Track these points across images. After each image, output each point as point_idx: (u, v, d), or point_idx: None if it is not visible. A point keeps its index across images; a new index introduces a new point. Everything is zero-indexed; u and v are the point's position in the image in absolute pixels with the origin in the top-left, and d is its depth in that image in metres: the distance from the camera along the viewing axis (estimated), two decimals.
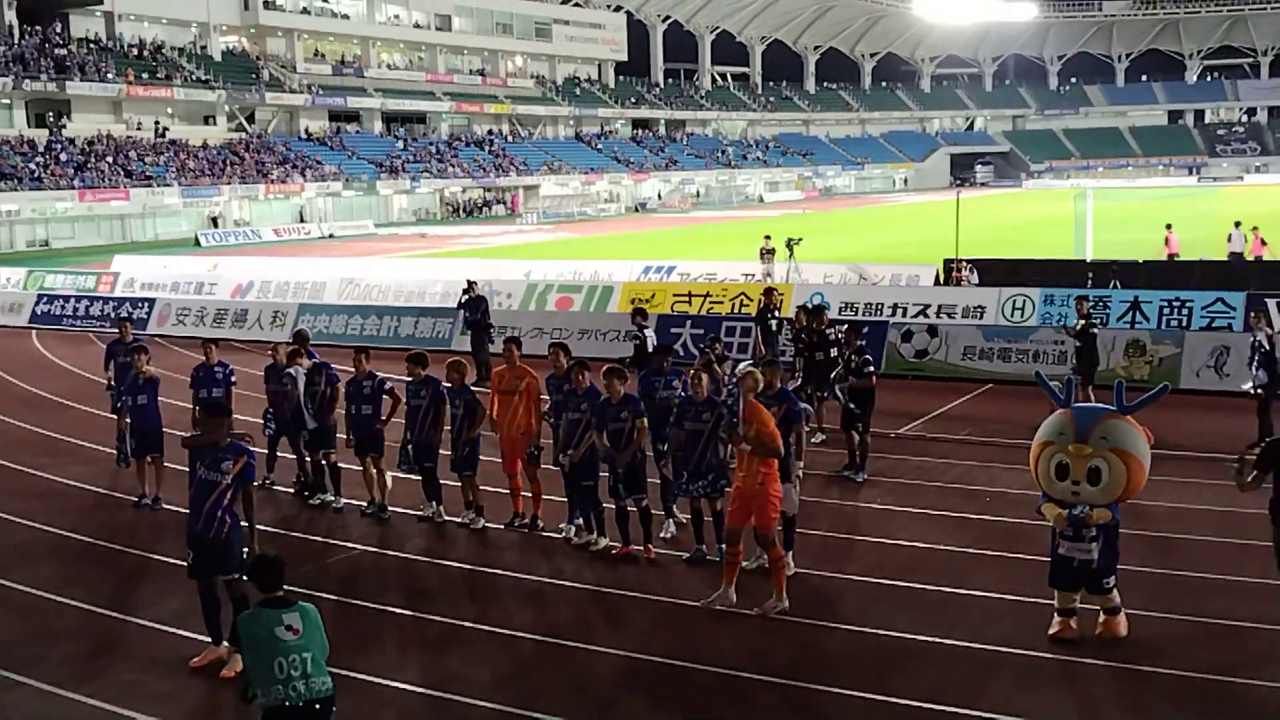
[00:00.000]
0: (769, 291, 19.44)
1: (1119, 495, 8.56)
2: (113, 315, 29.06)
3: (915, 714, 7.68)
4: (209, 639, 8.61)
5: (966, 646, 8.71)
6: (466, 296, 21.20)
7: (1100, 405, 8.98)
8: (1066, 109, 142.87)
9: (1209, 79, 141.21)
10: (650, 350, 15.77)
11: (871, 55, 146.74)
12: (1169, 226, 33.32)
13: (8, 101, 70.23)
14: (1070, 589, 8.80)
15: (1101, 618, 8.81)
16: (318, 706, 5.82)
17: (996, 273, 27.84)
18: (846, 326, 14.75)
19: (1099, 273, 26.44)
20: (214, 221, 71.49)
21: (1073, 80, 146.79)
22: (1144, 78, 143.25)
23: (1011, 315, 23.49)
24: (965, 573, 10.26)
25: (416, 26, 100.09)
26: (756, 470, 9.29)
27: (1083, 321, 16.00)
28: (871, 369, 13.66)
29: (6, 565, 10.80)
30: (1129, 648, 8.56)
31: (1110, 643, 8.61)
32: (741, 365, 13.08)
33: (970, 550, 10.91)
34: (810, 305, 17.76)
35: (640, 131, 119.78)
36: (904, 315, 23.92)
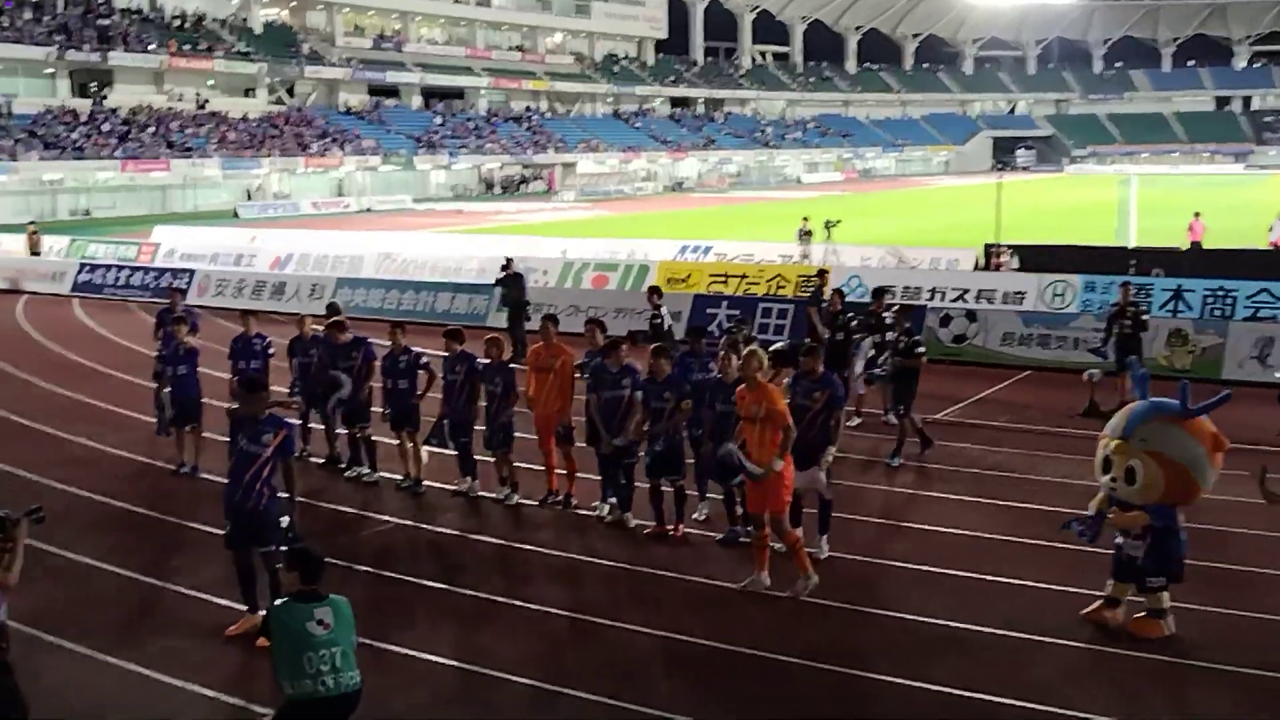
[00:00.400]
0: (822, 273, 19.15)
1: (1157, 498, 8.43)
2: (153, 284, 29.44)
3: (951, 700, 7.62)
4: (245, 607, 8.67)
5: (1004, 634, 8.64)
6: (504, 274, 21.20)
7: (1160, 403, 8.68)
8: (1111, 94, 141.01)
9: (1257, 65, 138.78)
10: (666, 329, 15.94)
11: (913, 36, 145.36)
12: (1196, 214, 33.04)
13: (51, 71, 70.81)
14: (1122, 581, 8.74)
15: (1139, 614, 8.69)
16: (344, 701, 5.80)
17: (1037, 258, 27.55)
18: (898, 307, 14.71)
19: (1141, 260, 26.12)
20: (248, 194, 71.86)
21: (1118, 65, 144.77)
22: (1190, 63, 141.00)
23: (1052, 302, 23.26)
24: (1003, 560, 10.18)
25: (456, 1, 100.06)
26: (769, 453, 9.22)
27: (1131, 308, 15.88)
28: (921, 350, 13.64)
29: (48, 531, 10.83)
30: (1172, 641, 8.45)
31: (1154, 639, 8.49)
32: (774, 347, 13.05)
33: (1008, 537, 10.81)
34: (874, 288, 17.47)
35: (678, 110, 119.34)
36: (942, 300, 23.73)
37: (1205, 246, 30.96)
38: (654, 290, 17.12)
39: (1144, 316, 16.21)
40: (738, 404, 9.56)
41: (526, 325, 20.25)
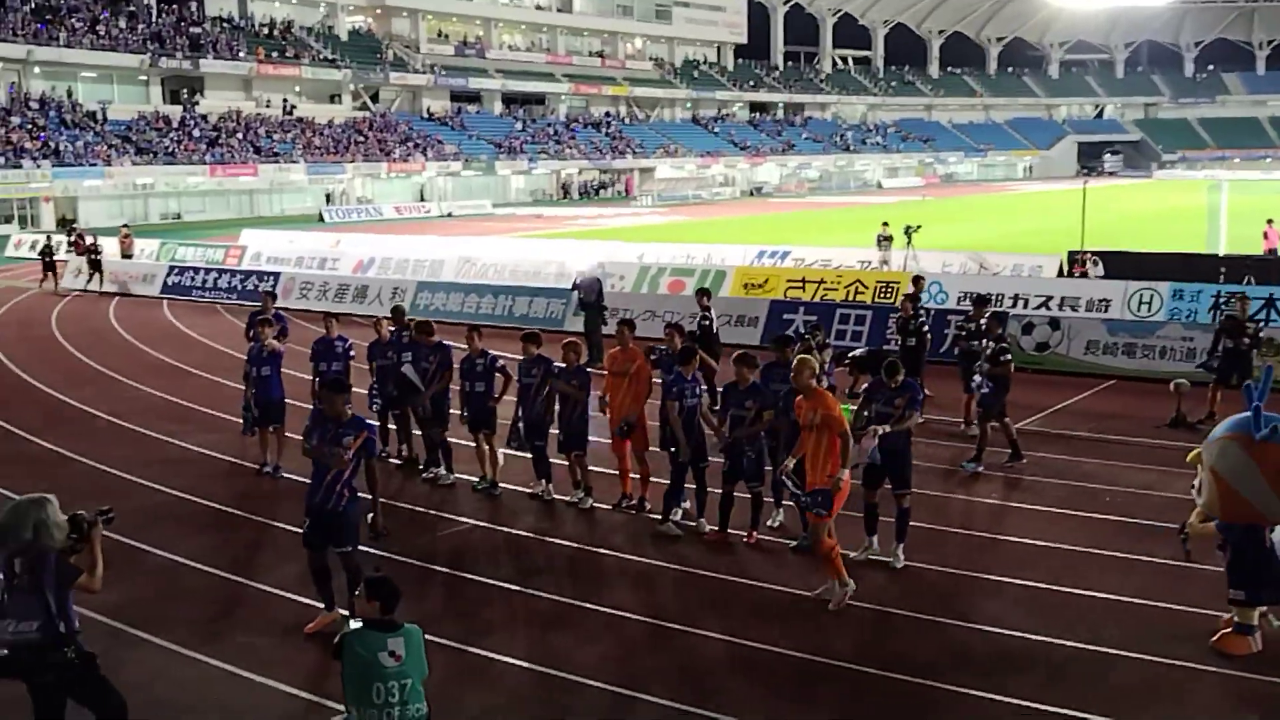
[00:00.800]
0: (918, 279, 18.85)
1: (1221, 515, 8.37)
2: (239, 287, 30.09)
3: (1030, 715, 7.50)
4: (322, 605, 8.81)
5: (1082, 648, 8.48)
6: (581, 278, 21.33)
7: (1240, 420, 8.27)
8: (1202, 97, 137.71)
9: None
10: (714, 332, 16.27)
11: (998, 40, 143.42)
12: (1270, 221, 32.22)
13: (145, 78, 72.75)
14: None
15: (1226, 629, 8.50)
16: None
17: (1123, 266, 27.01)
18: (989, 314, 14.53)
19: (1232, 268, 25.48)
20: (327, 198, 72.97)
21: (1209, 68, 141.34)
22: None
23: (1138, 310, 22.78)
24: (1084, 573, 9.98)
25: (538, 8, 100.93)
26: (824, 464, 9.12)
27: (1251, 323, 15.45)
28: (1008, 358, 13.46)
29: (137, 527, 11.18)
30: (1263, 661, 8.22)
31: (1242, 657, 8.29)
32: (854, 353, 12.94)
33: (1090, 550, 10.60)
34: (974, 296, 17.24)
35: (758, 115, 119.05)
36: (1025, 307, 23.38)
37: None
38: (702, 292, 17.26)
39: (1260, 334, 15.69)
40: (796, 412, 9.50)
41: (603, 330, 20.36)
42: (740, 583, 9.88)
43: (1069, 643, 8.56)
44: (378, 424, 13.90)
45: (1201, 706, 7.69)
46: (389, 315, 14.36)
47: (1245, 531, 8.28)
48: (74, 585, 6.11)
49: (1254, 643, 8.35)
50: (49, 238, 36.06)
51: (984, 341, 13.89)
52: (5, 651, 5.99)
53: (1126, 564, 10.20)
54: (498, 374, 12.50)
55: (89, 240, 34.46)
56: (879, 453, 10.10)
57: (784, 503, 11.29)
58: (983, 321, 14.65)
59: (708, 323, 16.27)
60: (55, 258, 34.15)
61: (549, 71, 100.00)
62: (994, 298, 24.05)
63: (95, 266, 32.65)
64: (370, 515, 8.70)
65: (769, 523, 11.16)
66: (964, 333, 15.10)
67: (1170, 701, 7.71)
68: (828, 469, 9.11)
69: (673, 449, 11.09)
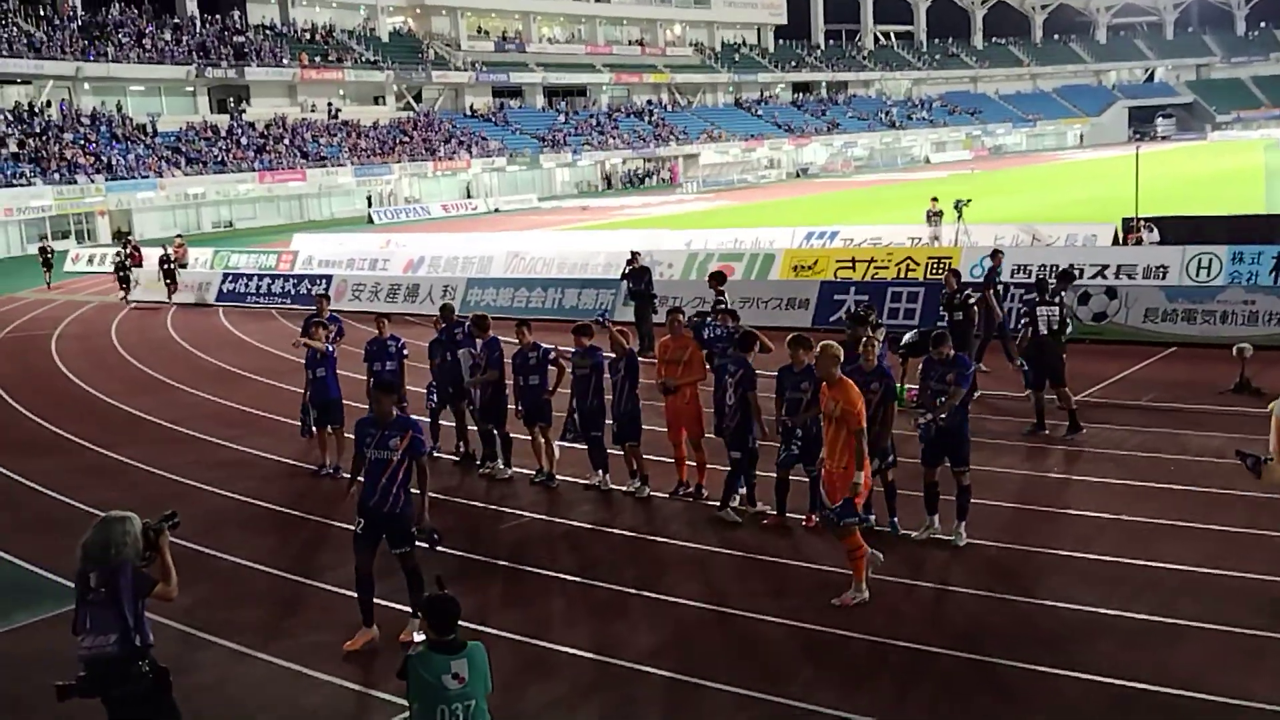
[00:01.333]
0: (996, 254, 18.53)
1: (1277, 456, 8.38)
2: (292, 292, 30.40)
3: (1098, 689, 7.39)
4: (400, 606, 8.79)
5: (1152, 620, 8.34)
6: (630, 267, 21.32)
7: None
8: (1255, 55, 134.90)
9: None
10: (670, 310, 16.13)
11: (1043, 7, 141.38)
12: None
13: (192, 89, 73.73)
14: None
15: None
16: None
17: (1180, 230, 26.50)
18: (1060, 272, 14.66)
19: None
20: (369, 200, 73.57)
21: (1262, 24, 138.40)
22: None
23: (1197, 275, 22.36)
24: (1150, 544, 9.82)
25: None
26: (842, 453, 8.89)
27: None
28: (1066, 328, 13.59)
29: (199, 531, 11.34)
30: None
31: None
32: (904, 339, 12.77)
33: (1155, 520, 10.43)
34: (1061, 269, 16.99)
35: (801, 95, 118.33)
36: (1081, 277, 23.00)
37: None
38: (715, 276, 17.42)
39: None
40: (820, 401, 9.35)
41: (653, 318, 20.35)
42: (801, 566, 9.83)
43: (1138, 615, 8.43)
44: (430, 421, 14.02)
45: (1274, 675, 7.53)
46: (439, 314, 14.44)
47: None
48: (151, 594, 6.13)
49: None
50: (123, 250, 36.42)
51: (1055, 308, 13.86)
52: (83, 671, 5.99)
53: (1195, 533, 10.02)
54: (551, 367, 12.52)
55: (166, 250, 34.85)
56: (932, 429, 10.02)
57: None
58: (1063, 295, 14.49)
59: (722, 307, 16.26)
60: (129, 270, 34.62)
61: (589, 62, 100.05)
62: (1049, 269, 23.84)
63: (170, 276, 33.15)
64: (420, 515, 8.64)
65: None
66: (1050, 314, 14.79)
67: (1248, 671, 7.56)
68: (843, 461, 8.86)
69: (735, 436, 11.05)
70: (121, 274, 34.30)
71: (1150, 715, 7.10)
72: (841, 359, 9.20)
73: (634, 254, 21.82)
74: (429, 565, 10.01)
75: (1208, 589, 8.84)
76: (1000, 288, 17.21)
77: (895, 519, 10.42)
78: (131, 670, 6.01)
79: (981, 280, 18.45)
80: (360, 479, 8.65)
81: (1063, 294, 14.07)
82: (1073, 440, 13.23)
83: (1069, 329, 13.93)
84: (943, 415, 9.94)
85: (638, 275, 21.05)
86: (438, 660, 5.67)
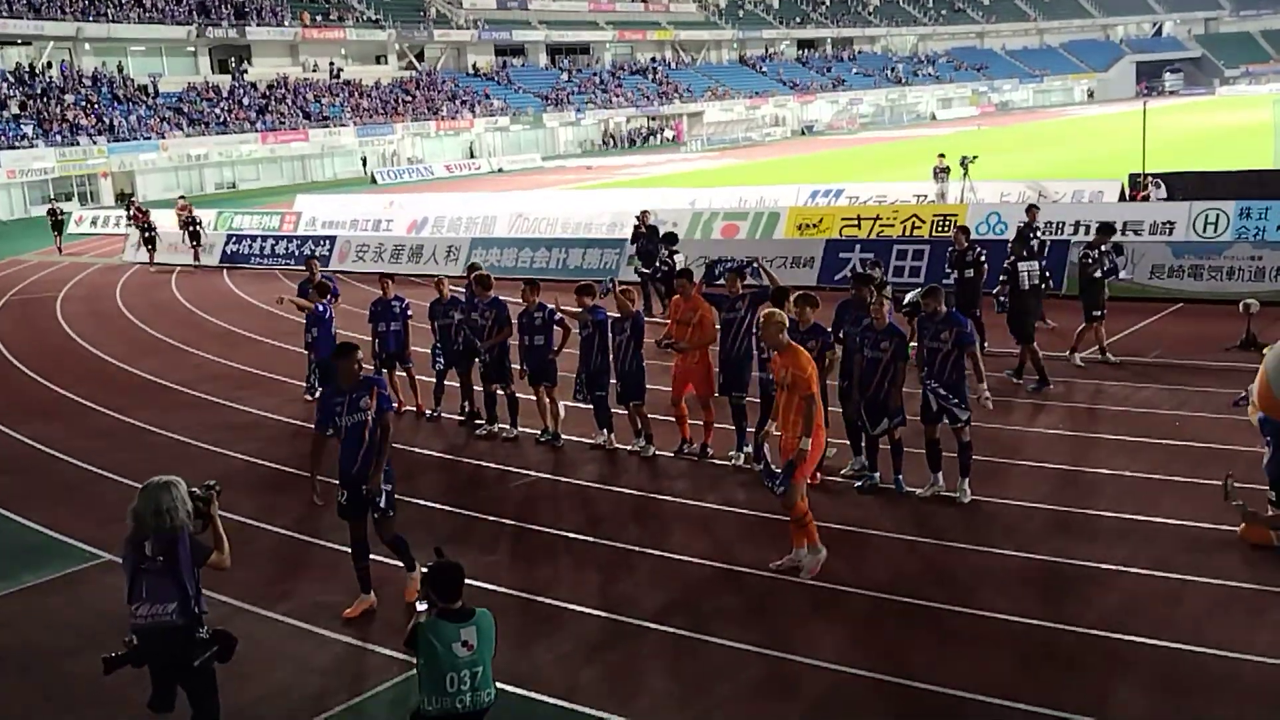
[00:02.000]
0: (1031, 209, 18.22)
1: (1261, 405, 8.79)
2: (296, 253, 30.33)
3: (1098, 642, 7.43)
4: (398, 563, 8.84)
5: (1151, 575, 8.38)
6: (638, 228, 21.16)
7: None
8: (1265, 8, 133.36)
9: None
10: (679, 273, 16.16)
11: None
12: None
13: (193, 49, 73.28)
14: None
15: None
16: (476, 717, 5.80)
17: (1187, 186, 26.33)
18: (1098, 226, 15.13)
19: None
20: (364, 161, 73.24)
21: None
22: None
23: (1204, 231, 22.25)
24: (1151, 499, 9.86)
25: None
26: (795, 423, 8.64)
27: None
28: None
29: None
30: None
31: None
32: (907, 299, 12.70)
33: (1157, 476, 10.46)
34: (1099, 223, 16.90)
35: (806, 52, 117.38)
36: (1086, 233, 22.90)
37: None
38: (669, 236, 18.96)
39: None
40: (771, 369, 9.19)
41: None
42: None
43: (1136, 569, 8.47)
44: (435, 383, 14.04)
45: (1274, 628, 7.57)
46: (463, 274, 14.40)
47: (1276, 431, 8.68)
48: (206, 563, 6.14)
49: (1276, 537, 8.65)
50: (140, 212, 35.51)
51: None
52: (134, 639, 6.01)
53: (1195, 488, 10.04)
54: (556, 327, 12.51)
55: (187, 214, 33.77)
56: (934, 396, 10.08)
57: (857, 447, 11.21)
58: (1103, 248, 14.48)
59: (668, 266, 17.60)
60: (155, 233, 33.60)
61: (592, 20, 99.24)
62: (1057, 226, 23.75)
63: (195, 239, 32.45)
64: (375, 476, 8.33)
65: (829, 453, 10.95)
66: (1089, 260, 14.74)
67: (1247, 624, 7.59)
68: (798, 430, 8.63)
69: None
70: (147, 235, 33.43)
71: (1150, 669, 7.15)
72: (786, 325, 8.97)
73: (643, 213, 21.66)
74: (434, 529, 10.08)
75: (1206, 543, 8.89)
76: (1035, 245, 16.85)
77: (900, 476, 10.43)
78: (193, 638, 6.02)
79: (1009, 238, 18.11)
80: (319, 474, 8.32)
81: (1102, 247, 14.25)
82: (1042, 394, 13.31)
83: (1117, 276, 14.61)
84: (987, 398, 10.06)
85: (648, 235, 20.97)
86: (447, 628, 5.71)
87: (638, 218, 21.45)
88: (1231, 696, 6.76)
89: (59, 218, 38.45)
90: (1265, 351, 9.08)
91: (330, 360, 8.80)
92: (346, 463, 8.32)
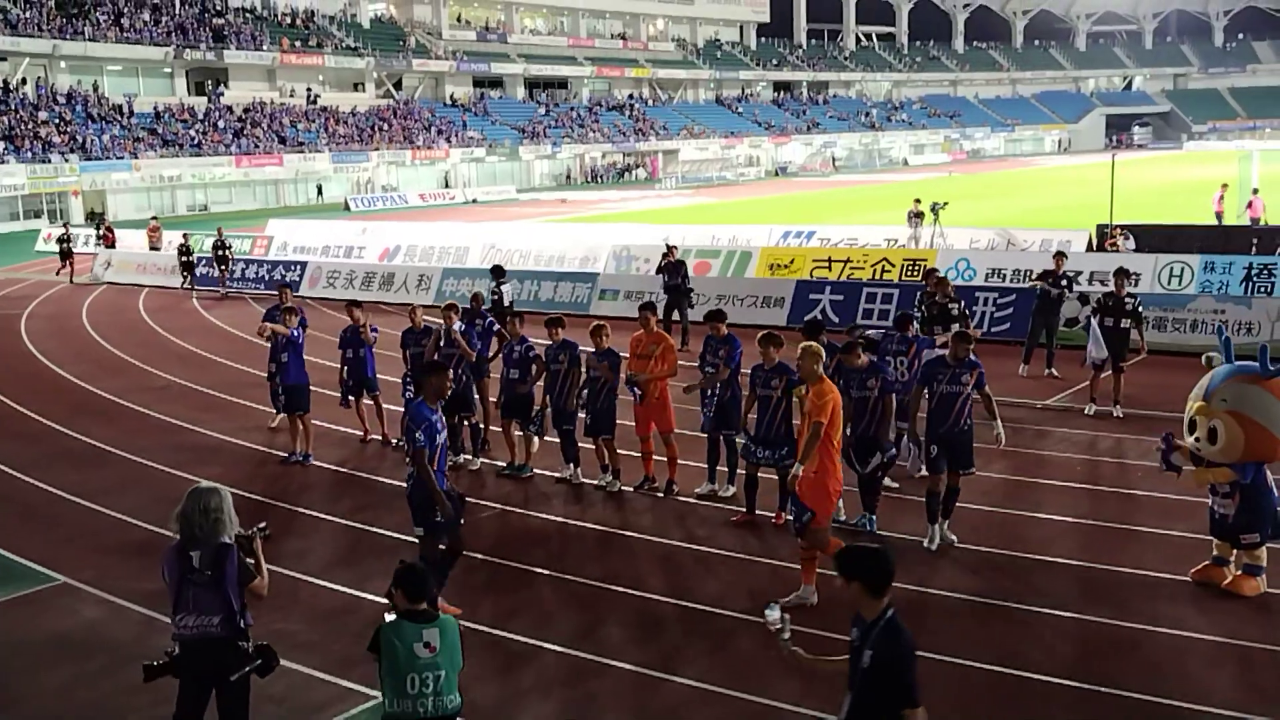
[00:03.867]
0: (1059, 255, 18.19)
1: (1239, 456, 8.68)
2: (266, 277, 30.18)
3: (1058, 690, 7.45)
4: (368, 594, 8.81)
5: (1114, 625, 8.42)
6: (666, 260, 21.10)
7: (1241, 365, 8.99)
8: (1232, 66, 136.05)
9: None
10: (506, 307, 17.32)
11: (1024, 13, 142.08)
12: (1255, 191, 32.32)
13: (169, 70, 73.11)
14: (1220, 539, 9.01)
15: (1235, 572, 8.93)
16: None
17: (1153, 239, 26.72)
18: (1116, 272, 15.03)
19: (1265, 239, 25.19)
20: (318, 189, 72.74)
21: (1240, 36, 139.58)
22: None
23: (1169, 283, 22.54)
24: (1115, 548, 9.91)
25: None
26: (814, 457, 8.73)
27: None
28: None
29: (165, 516, 11.27)
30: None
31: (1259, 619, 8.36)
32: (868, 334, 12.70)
33: (1119, 525, 10.53)
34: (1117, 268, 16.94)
35: (782, 94, 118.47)
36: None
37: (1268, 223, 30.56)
38: (496, 269, 19.57)
39: None
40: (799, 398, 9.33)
41: (690, 313, 20.21)
42: (765, 563, 9.85)
43: (1098, 619, 8.51)
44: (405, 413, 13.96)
45: (1241, 676, 7.62)
46: (439, 306, 14.37)
47: (1257, 473, 8.74)
48: (248, 586, 6.19)
49: (1262, 583, 8.79)
50: (185, 238, 32.61)
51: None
52: (176, 649, 6.06)
53: (1158, 539, 10.12)
54: (534, 363, 12.47)
55: (221, 237, 31.00)
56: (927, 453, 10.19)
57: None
58: (1125, 297, 14.60)
59: (496, 297, 18.42)
60: (192, 256, 31.54)
61: (571, 55, 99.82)
62: (1023, 273, 23.98)
63: (224, 264, 30.32)
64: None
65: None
66: (1104, 307, 14.85)
67: (1199, 676, 7.63)
68: (814, 465, 8.71)
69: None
70: (185, 259, 31.22)
71: (1111, 715, 7.18)
72: (823, 357, 9.18)
73: (670, 248, 21.62)
74: (400, 558, 10.00)
75: (1168, 591, 8.96)
76: (1066, 283, 17.20)
77: (874, 516, 10.46)
78: (236, 650, 6.09)
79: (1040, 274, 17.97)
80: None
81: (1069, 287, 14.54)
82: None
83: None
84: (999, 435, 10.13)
85: (673, 269, 20.81)
86: (409, 628, 5.77)
87: (664, 253, 21.53)
88: None
89: (67, 246, 37.19)
90: (1204, 412, 8.87)
91: (420, 377, 9.08)
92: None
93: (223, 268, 30.48)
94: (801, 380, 9.15)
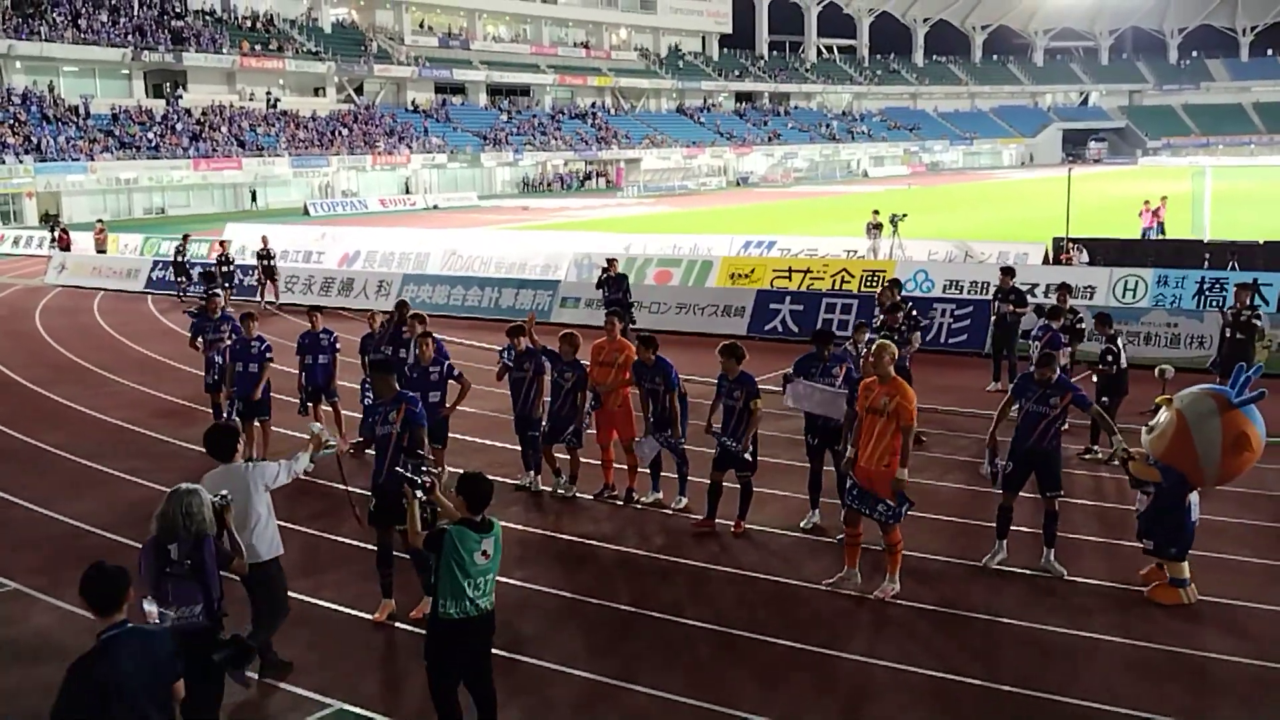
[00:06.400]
0: (1005, 272, 17.67)
1: (1159, 454, 9.01)
2: (225, 283, 29.74)
3: (1005, 697, 7.53)
4: (324, 601, 8.76)
5: (1065, 633, 8.53)
6: (606, 274, 20.91)
7: (1220, 387, 9.18)
8: (1186, 84, 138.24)
9: None
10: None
11: (983, 28, 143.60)
12: (1146, 202, 36.13)
13: (127, 72, 72.37)
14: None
15: (1158, 582, 9.13)
16: (484, 621, 6.51)
17: (1108, 252, 27.09)
18: (1096, 316, 14.28)
19: (1216, 254, 25.59)
20: (252, 195, 71.67)
21: (1194, 54, 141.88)
22: (1269, 51, 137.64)
23: (1123, 296, 22.86)
24: (1073, 560, 10.02)
25: None
26: (884, 450, 8.97)
27: (1247, 312, 14.68)
28: (1111, 359, 13.10)
29: (121, 523, 11.17)
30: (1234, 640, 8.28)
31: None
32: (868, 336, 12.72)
33: (1070, 536, 10.64)
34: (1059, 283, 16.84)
35: (743, 104, 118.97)
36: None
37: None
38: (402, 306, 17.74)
39: (1255, 322, 14.80)
40: (861, 398, 9.27)
41: (632, 326, 20.11)
42: (726, 572, 9.88)
43: (1044, 625, 8.61)
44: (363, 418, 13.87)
45: (1183, 689, 7.73)
46: (388, 310, 14.30)
47: (1177, 482, 8.90)
48: (229, 568, 6.53)
49: (1188, 595, 8.91)
50: (224, 246, 29.88)
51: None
52: None
53: (1105, 548, 10.25)
54: (453, 381, 12.04)
55: (266, 245, 28.35)
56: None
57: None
58: (1067, 311, 14.55)
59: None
60: (233, 266, 28.66)
61: (534, 63, 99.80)
62: (980, 285, 24.24)
63: (269, 274, 27.75)
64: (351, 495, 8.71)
65: (803, 524, 10.94)
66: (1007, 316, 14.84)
67: (1148, 684, 7.74)
68: (885, 460, 8.95)
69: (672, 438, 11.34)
70: (226, 269, 28.02)
71: None
72: (897, 356, 9.37)
73: (610, 261, 21.47)
74: (353, 566, 9.95)
75: (1115, 604, 9.08)
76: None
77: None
78: (214, 638, 6.33)
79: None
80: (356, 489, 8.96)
81: (1110, 331, 13.79)
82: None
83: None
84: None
85: (614, 283, 20.60)
86: (471, 537, 6.34)
87: (604, 268, 21.07)
88: None
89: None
90: (1162, 401, 9.30)
91: (372, 370, 9.52)
92: (376, 473, 8.81)
93: (268, 278, 27.72)
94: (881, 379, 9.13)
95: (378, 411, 8.90)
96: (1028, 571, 9.71)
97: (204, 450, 7.72)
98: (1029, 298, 18.24)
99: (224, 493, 6.70)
